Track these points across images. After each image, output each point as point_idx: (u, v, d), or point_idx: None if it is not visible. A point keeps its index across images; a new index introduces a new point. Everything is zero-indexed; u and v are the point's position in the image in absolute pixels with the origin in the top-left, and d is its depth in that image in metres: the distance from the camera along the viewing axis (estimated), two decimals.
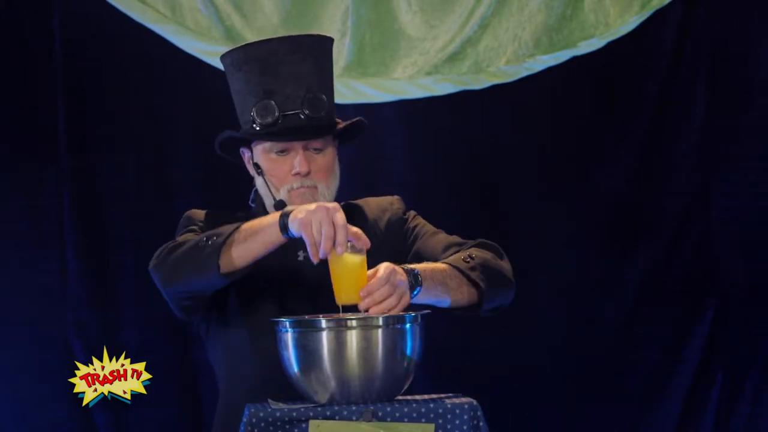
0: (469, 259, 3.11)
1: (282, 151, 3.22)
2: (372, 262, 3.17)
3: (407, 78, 4.51)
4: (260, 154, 3.24)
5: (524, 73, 4.55)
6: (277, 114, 3.17)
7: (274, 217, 3.02)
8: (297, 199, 3.20)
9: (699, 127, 4.68)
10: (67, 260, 4.55)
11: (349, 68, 4.48)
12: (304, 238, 2.93)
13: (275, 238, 3.01)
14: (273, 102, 3.18)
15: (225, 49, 4.41)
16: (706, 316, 4.66)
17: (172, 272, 3.08)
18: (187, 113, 4.60)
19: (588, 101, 4.66)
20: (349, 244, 2.90)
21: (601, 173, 4.67)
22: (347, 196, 3.34)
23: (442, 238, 3.25)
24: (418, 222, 3.30)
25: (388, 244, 3.25)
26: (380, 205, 3.32)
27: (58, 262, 4.55)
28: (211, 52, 4.48)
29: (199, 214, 3.32)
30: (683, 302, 4.68)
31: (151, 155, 4.59)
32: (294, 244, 3.16)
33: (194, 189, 4.59)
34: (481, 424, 2.82)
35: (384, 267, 2.93)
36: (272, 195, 3.22)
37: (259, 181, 3.27)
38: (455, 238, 3.21)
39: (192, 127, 4.60)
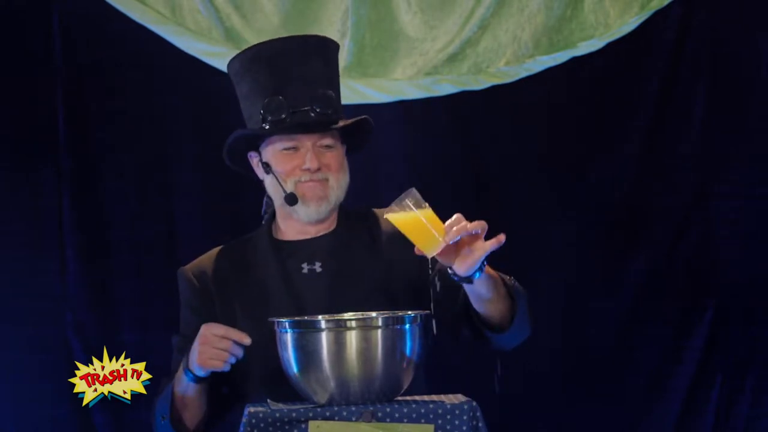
0: (511, 280, 3.09)
1: (292, 148, 3.22)
2: (390, 275, 3.17)
3: (407, 78, 4.52)
4: (269, 153, 3.25)
5: (524, 74, 4.55)
6: (286, 110, 3.18)
7: (182, 378, 3.13)
8: (308, 192, 3.21)
9: (699, 127, 4.67)
10: (66, 260, 4.55)
11: (349, 68, 4.49)
12: (212, 369, 3.04)
13: (193, 390, 3.14)
14: (283, 98, 3.18)
15: (225, 49, 4.45)
16: (706, 316, 4.66)
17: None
18: (187, 113, 4.60)
19: (588, 102, 4.66)
20: (412, 202, 2.89)
21: (601, 173, 4.67)
22: (347, 197, 3.34)
23: None
24: None
25: (406, 258, 3.22)
26: None
27: (58, 262, 4.55)
28: (211, 52, 4.48)
29: (189, 277, 3.35)
30: (683, 302, 4.67)
31: (151, 156, 4.60)
32: (297, 258, 3.20)
33: (194, 189, 4.59)
34: (480, 424, 2.82)
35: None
36: (282, 189, 3.22)
37: (268, 181, 3.27)
38: None
39: (192, 127, 4.60)
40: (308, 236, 3.27)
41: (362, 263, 3.21)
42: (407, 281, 3.21)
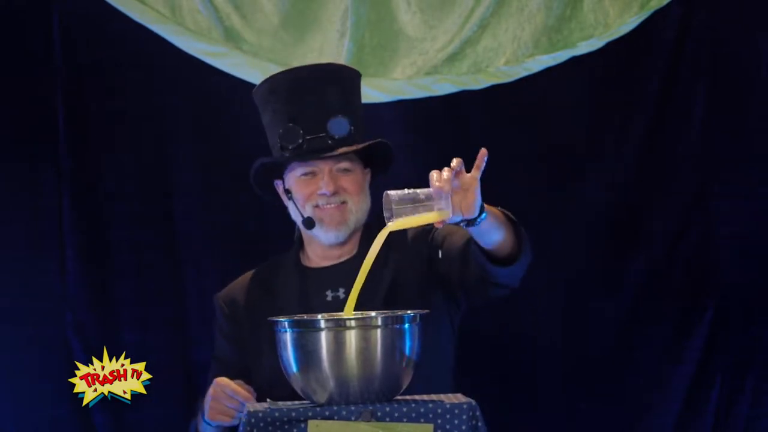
0: (505, 211, 3.14)
1: (309, 173, 3.29)
2: (400, 272, 3.20)
3: (406, 78, 4.51)
4: (291, 180, 3.33)
5: (523, 74, 4.55)
6: (301, 137, 3.23)
7: (201, 421, 3.25)
8: (326, 217, 3.29)
9: (699, 127, 4.67)
10: (66, 260, 4.55)
11: None
12: (219, 424, 3.16)
13: None
14: (297, 126, 3.24)
15: (225, 49, 4.46)
16: (706, 317, 4.65)
17: None
18: (187, 113, 4.60)
19: (587, 101, 4.66)
20: (396, 202, 2.89)
21: (601, 173, 4.67)
22: None
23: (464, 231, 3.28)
24: (443, 230, 3.33)
25: (414, 255, 3.29)
26: None
27: (58, 262, 4.55)
28: (210, 52, 4.48)
29: (220, 304, 3.43)
30: (683, 302, 4.67)
31: (151, 155, 4.59)
32: (321, 286, 3.23)
33: (194, 189, 4.59)
34: (479, 424, 2.82)
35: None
36: (300, 214, 3.29)
37: (290, 207, 3.34)
38: None
39: (192, 127, 4.60)
40: (332, 262, 3.34)
41: (383, 284, 3.24)
42: (423, 270, 3.29)
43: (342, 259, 3.37)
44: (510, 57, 4.54)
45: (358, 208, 3.33)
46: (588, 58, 4.58)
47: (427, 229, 3.36)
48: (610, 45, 4.57)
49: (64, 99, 4.55)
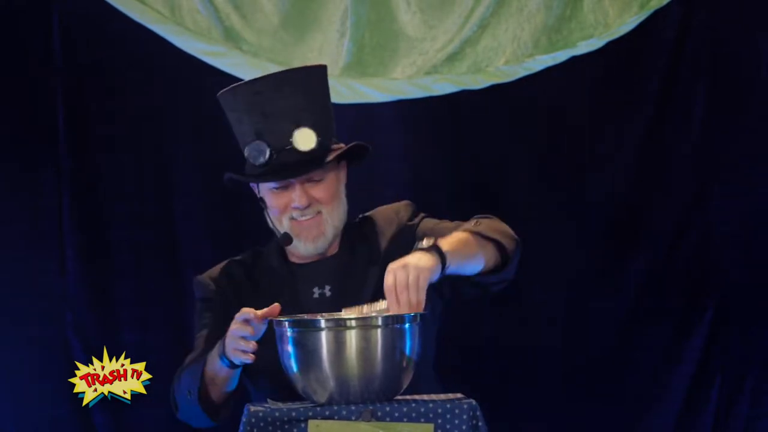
0: (476, 224, 3.13)
1: (281, 187, 3.24)
2: (380, 276, 3.19)
3: (406, 78, 4.52)
4: (263, 190, 3.28)
5: (523, 73, 4.55)
6: (268, 154, 3.19)
7: (216, 361, 3.10)
8: (302, 232, 3.25)
9: (699, 127, 4.67)
10: (66, 260, 4.55)
11: (349, 68, 4.49)
12: (244, 361, 3.00)
13: (226, 373, 3.10)
14: (264, 142, 3.19)
15: (224, 49, 4.46)
16: (706, 317, 4.65)
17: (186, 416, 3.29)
18: (187, 113, 4.60)
19: (587, 101, 4.66)
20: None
21: (601, 173, 4.67)
22: (347, 198, 3.35)
23: (448, 224, 3.27)
24: (427, 223, 3.31)
25: (394, 256, 3.25)
26: (387, 217, 3.33)
27: (58, 263, 4.55)
28: (210, 52, 4.48)
29: (207, 281, 3.36)
30: (683, 302, 4.67)
31: (151, 156, 4.60)
32: (308, 283, 3.22)
33: (194, 189, 4.59)
34: (480, 424, 2.82)
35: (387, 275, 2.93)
36: (276, 228, 3.26)
37: (266, 215, 3.31)
38: (459, 222, 3.22)
39: (192, 127, 4.60)
40: (316, 258, 3.30)
41: (369, 281, 3.23)
42: None
43: (326, 256, 3.33)
44: (510, 57, 4.55)
45: (333, 215, 3.26)
46: (588, 58, 4.58)
47: (411, 224, 3.33)
48: (610, 45, 4.57)
49: (64, 99, 4.56)
